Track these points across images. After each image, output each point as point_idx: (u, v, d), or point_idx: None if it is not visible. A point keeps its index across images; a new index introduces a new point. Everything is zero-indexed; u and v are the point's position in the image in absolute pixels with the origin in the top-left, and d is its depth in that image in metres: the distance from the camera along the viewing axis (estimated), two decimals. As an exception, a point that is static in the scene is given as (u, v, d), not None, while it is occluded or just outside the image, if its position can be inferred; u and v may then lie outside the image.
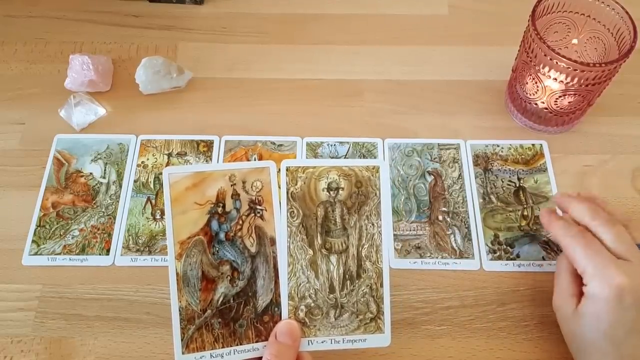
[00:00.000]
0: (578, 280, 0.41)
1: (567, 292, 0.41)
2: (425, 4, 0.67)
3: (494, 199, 0.52)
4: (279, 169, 0.42)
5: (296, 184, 0.42)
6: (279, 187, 0.42)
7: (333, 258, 0.41)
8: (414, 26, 0.65)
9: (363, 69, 0.61)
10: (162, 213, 0.51)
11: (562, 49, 0.54)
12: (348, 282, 0.41)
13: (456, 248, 0.50)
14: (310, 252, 0.41)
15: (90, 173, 0.54)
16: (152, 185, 0.53)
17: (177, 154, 0.55)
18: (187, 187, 0.41)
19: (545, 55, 0.48)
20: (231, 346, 0.40)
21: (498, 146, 0.55)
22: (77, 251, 0.50)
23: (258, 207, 0.41)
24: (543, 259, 0.49)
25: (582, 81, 0.48)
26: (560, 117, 0.54)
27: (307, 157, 0.55)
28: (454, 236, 0.50)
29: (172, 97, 0.59)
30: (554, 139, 0.56)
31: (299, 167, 0.42)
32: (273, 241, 0.41)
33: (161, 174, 0.53)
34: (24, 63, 0.62)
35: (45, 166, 0.54)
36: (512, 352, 0.45)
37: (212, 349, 0.39)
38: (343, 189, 0.42)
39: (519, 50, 0.53)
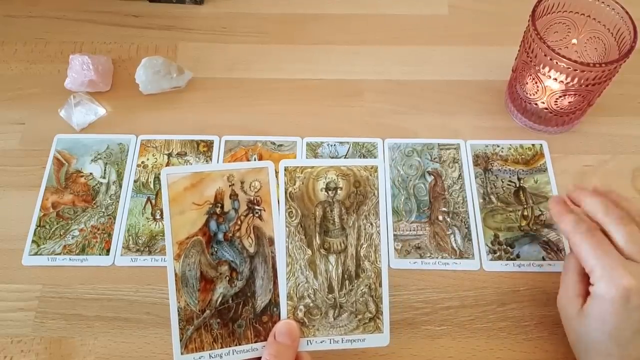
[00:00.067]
0: (585, 280, 0.41)
1: (573, 292, 0.41)
2: (425, 4, 0.67)
3: (494, 199, 0.52)
4: (278, 169, 0.42)
5: (294, 184, 0.42)
6: (278, 187, 0.42)
7: (332, 258, 0.41)
8: (414, 26, 0.65)
9: (363, 69, 0.61)
10: (162, 213, 0.51)
11: (562, 49, 0.54)
12: (347, 282, 0.41)
13: (456, 248, 0.50)
14: (309, 252, 0.41)
15: (90, 173, 0.54)
16: (152, 186, 0.53)
17: (177, 154, 0.55)
18: (186, 187, 0.41)
19: (545, 55, 0.48)
20: (230, 346, 0.40)
21: (498, 146, 0.55)
22: (77, 251, 0.50)
23: (256, 207, 0.41)
24: (543, 259, 0.49)
25: (582, 81, 0.48)
26: (560, 117, 0.54)
27: (307, 157, 0.54)
28: (454, 236, 0.50)
29: (172, 97, 0.59)
30: (554, 139, 0.56)
31: (297, 167, 0.42)
32: (271, 241, 0.41)
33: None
34: (24, 63, 0.62)
35: (45, 166, 0.54)
36: (512, 352, 0.45)
37: (211, 350, 0.39)
38: (341, 188, 0.42)
39: (519, 50, 0.53)
